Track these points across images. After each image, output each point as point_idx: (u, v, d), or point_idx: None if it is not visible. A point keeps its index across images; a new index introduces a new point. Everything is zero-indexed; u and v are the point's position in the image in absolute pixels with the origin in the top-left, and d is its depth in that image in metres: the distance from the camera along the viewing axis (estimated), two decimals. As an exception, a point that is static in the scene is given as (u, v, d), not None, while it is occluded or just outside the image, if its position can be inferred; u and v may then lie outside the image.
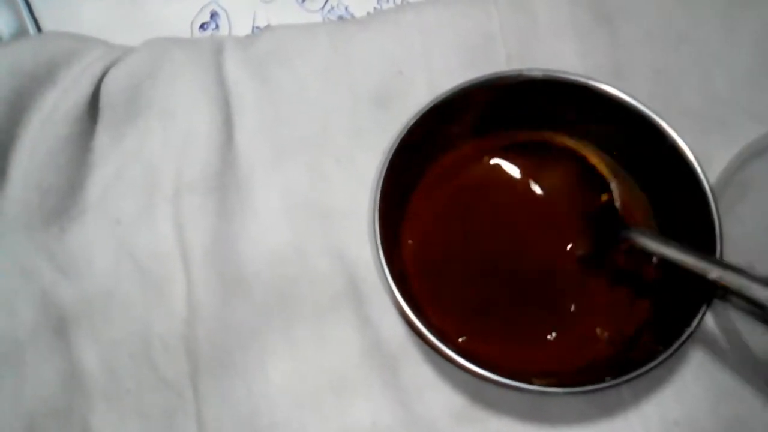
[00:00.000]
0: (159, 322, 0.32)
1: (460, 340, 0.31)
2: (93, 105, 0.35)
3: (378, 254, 0.30)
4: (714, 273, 0.27)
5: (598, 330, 0.32)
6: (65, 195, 0.34)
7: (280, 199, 0.35)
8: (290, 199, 0.35)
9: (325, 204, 0.35)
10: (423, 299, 0.32)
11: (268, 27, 0.39)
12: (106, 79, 0.35)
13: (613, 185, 0.33)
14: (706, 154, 0.35)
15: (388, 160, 0.31)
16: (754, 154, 0.35)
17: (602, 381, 0.27)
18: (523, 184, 0.34)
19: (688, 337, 0.28)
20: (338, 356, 0.32)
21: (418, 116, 0.32)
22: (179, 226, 0.33)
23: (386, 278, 0.29)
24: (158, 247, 0.33)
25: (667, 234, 0.32)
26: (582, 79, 0.32)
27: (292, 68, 0.37)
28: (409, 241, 0.33)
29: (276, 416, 0.31)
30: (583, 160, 0.34)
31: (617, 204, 0.32)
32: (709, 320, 0.33)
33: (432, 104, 0.32)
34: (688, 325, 0.28)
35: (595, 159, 0.34)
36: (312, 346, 0.32)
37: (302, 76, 0.37)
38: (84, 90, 0.34)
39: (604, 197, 0.32)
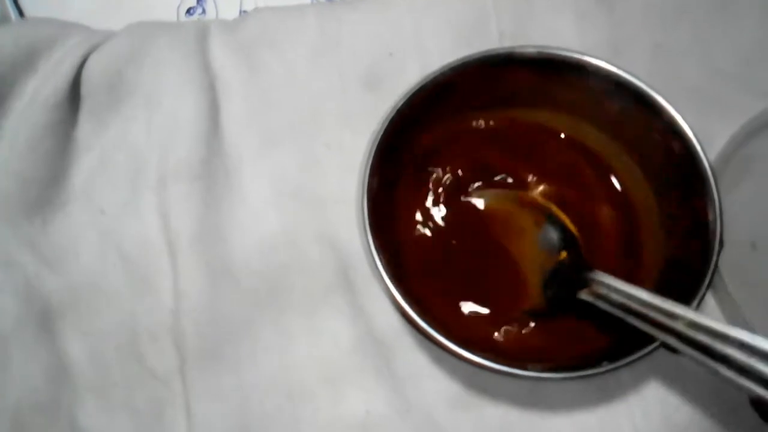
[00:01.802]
0: (146, 313, 0.32)
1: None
2: (74, 92, 0.34)
3: (367, 239, 0.29)
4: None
5: None
6: (47, 185, 0.33)
7: (269, 186, 0.34)
8: (279, 186, 0.34)
9: (315, 190, 0.34)
10: (416, 284, 0.31)
11: (255, 10, 0.38)
12: (86, 65, 0.34)
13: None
14: (706, 131, 0.34)
15: (377, 142, 0.30)
16: (755, 130, 0.34)
17: (599, 366, 0.26)
18: (513, 167, 0.33)
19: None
20: (330, 345, 0.31)
21: (407, 97, 0.31)
22: (165, 215, 0.33)
23: (376, 264, 0.28)
24: (144, 236, 0.33)
25: (666, 214, 0.31)
26: (576, 56, 0.31)
27: (279, 52, 0.36)
28: (401, 225, 0.32)
29: (267, 408, 0.30)
30: (579, 146, 0.33)
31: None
32: (710, 301, 0.32)
33: (421, 84, 0.31)
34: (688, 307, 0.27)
35: (592, 140, 0.33)
36: (303, 336, 0.32)
37: (290, 59, 0.36)
38: (64, 76, 0.33)
39: (563, 255, 0.31)
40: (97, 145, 0.34)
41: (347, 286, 0.32)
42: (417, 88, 0.31)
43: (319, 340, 0.31)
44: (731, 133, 0.34)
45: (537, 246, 0.32)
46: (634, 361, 0.26)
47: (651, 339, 0.26)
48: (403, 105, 0.31)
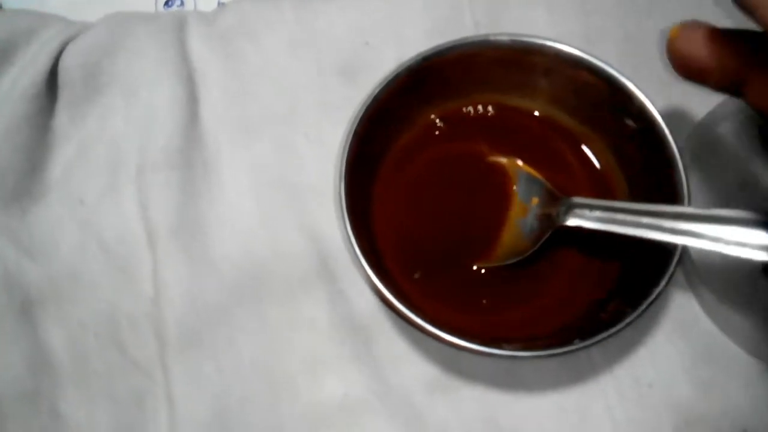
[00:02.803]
0: (126, 302, 0.32)
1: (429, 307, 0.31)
2: (52, 83, 0.34)
3: (345, 224, 0.29)
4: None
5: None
6: (25, 175, 0.33)
7: (248, 176, 0.34)
8: (258, 176, 0.34)
9: (294, 180, 0.35)
10: (396, 272, 0.31)
11: (232, 1, 0.38)
12: (63, 55, 0.34)
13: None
14: (675, 118, 0.36)
15: (352, 131, 0.31)
16: (721, 117, 0.35)
17: (571, 344, 0.27)
18: (490, 154, 0.34)
19: (656, 297, 0.27)
20: (309, 332, 0.32)
21: (383, 84, 0.31)
22: (144, 205, 0.33)
23: (353, 249, 0.29)
24: (123, 226, 0.33)
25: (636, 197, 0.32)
26: (549, 43, 0.32)
27: (256, 42, 0.36)
28: (380, 213, 0.33)
29: (247, 393, 0.31)
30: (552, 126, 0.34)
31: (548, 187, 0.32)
32: (682, 282, 0.33)
33: (397, 72, 0.31)
34: (657, 285, 0.28)
35: (568, 125, 0.34)
36: (283, 323, 0.32)
37: (267, 50, 0.36)
38: (41, 67, 0.33)
39: (535, 201, 0.32)
40: (75, 135, 0.34)
41: (326, 274, 0.33)
42: (393, 75, 0.31)
43: (299, 326, 0.32)
44: (698, 119, 0.35)
45: (511, 201, 0.33)
46: (603, 339, 0.27)
47: (621, 315, 0.27)
48: (379, 92, 0.31)
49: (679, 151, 0.30)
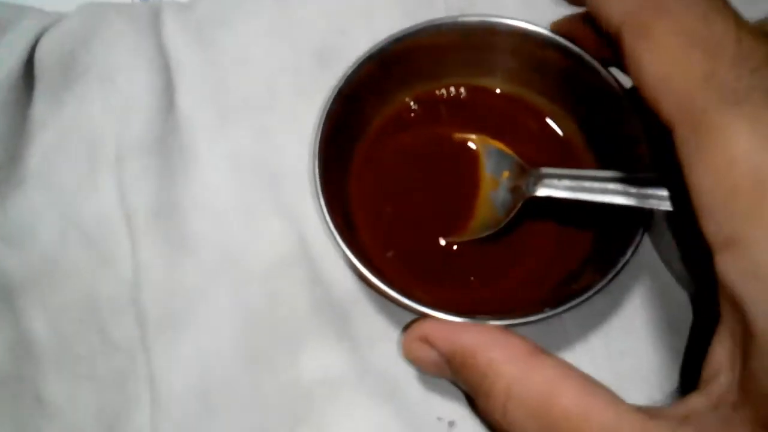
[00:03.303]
0: (106, 287, 0.32)
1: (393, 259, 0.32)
2: (28, 73, 0.34)
3: (319, 201, 0.29)
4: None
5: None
6: (3, 164, 0.34)
7: (226, 162, 0.35)
8: (236, 161, 0.35)
9: (272, 165, 0.35)
10: (372, 249, 0.32)
11: (207, -10, 0.39)
12: (39, 45, 0.34)
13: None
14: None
15: (326, 111, 0.31)
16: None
17: (541, 312, 0.27)
18: (462, 132, 0.35)
19: (623, 266, 0.28)
20: (289, 312, 0.32)
21: (354, 66, 0.32)
22: (122, 191, 0.33)
23: (328, 224, 0.29)
24: (102, 213, 0.33)
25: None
26: (516, 23, 0.33)
27: (232, 30, 0.37)
28: (356, 194, 0.33)
29: (227, 372, 0.31)
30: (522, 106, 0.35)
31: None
32: (651, 251, 0.33)
33: (369, 54, 0.32)
34: (624, 254, 0.28)
35: (534, 103, 0.35)
36: (263, 304, 0.32)
37: (243, 37, 0.37)
38: (17, 57, 0.34)
39: (505, 174, 0.33)
40: (52, 124, 0.34)
41: (305, 255, 0.33)
42: (365, 57, 0.32)
43: (278, 307, 0.32)
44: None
45: (481, 175, 0.33)
46: (571, 308, 0.27)
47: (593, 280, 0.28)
48: (351, 73, 0.32)
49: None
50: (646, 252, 0.34)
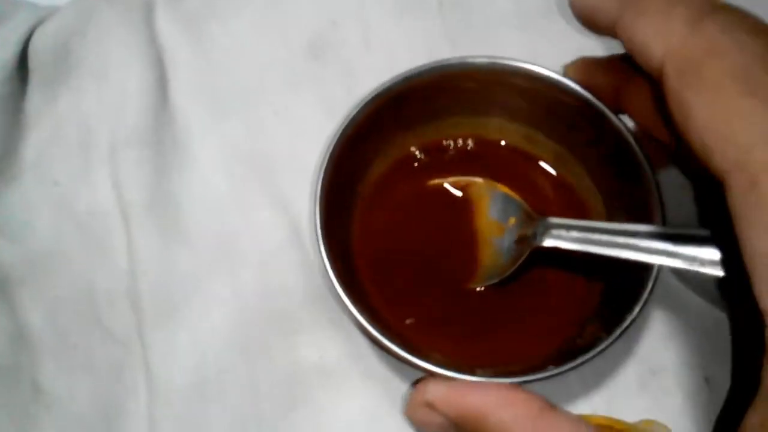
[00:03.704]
0: (102, 278, 0.33)
1: (407, 322, 0.31)
2: (22, 66, 0.35)
3: (320, 251, 0.28)
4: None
5: None
6: None
7: (220, 153, 0.35)
8: (230, 153, 0.35)
9: (266, 157, 0.35)
10: (374, 298, 0.31)
11: (199, -17, 0.39)
12: (33, 39, 0.35)
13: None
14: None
15: (329, 152, 0.30)
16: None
17: (545, 371, 0.27)
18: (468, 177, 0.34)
19: (630, 324, 0.27)
20: (283, 300, 0.32)
21: (360, 105, 0.31)
22: (116, 182, 0.34)
23: (332, 280, 0.28)
24: (97, 204, 0.34)
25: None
26: (528, 66, 0.31)
27: (224, 22, 0.37)
28: (358, 241, 0.32)
29: (223, 361, 0.31)
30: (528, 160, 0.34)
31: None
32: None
33: (376, 92, 0.31)
34: (631, 312, 0.27)
35: (542, 149, 0.34)
36: (257, 293, 0.33)
37: (235, 30, 0.37)
38: (11, 51, 0.34)
39: (512, 221, 0.32)
40: (47, 117, 0.35)
41: (298, 243, 0.34)
42: (372, 96, 0.31)
43: (272, 295, 0.33)
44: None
45: (486, 221, 0.33)
46: (574, 368, 0.27)
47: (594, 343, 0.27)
48: (357, 113, 0.30)
49: (654, 176, 0.30)
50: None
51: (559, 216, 0.31)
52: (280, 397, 0.31)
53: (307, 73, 0.37)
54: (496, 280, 0.31)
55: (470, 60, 0.32)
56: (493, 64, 0.32)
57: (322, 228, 0.29)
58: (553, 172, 0.34)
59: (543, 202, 0.33)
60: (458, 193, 0.34)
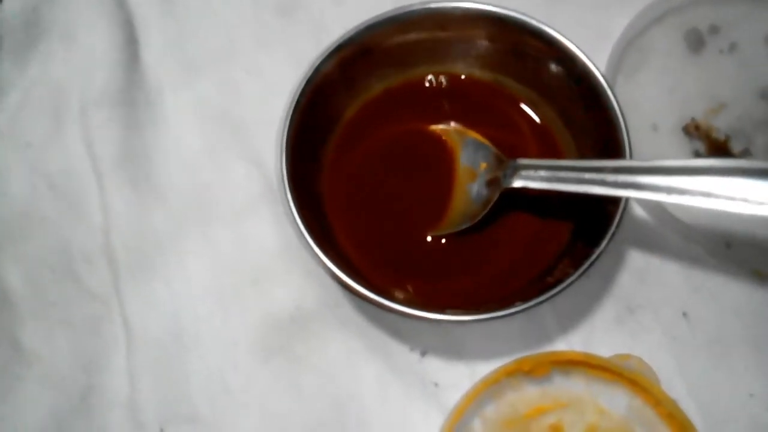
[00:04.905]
0: (78, 235, 0.33)
1: (379, 266, 0.31)
2: (-7, 33, 0.35)
3: (289, 203, 0.29)
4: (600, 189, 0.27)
5: None
6: None
7: (192, 111, 0.35)
8: (202, 111, 0.36)
9: (238, 114, 0.36)
10: (347, 247, 0.32)
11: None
12: (2, 6, 0.35)
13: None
14: (604, 25, 0.36)
15: (294, 102, 0.30)
16: (652, 20, 0.36)
17: (512, 307, 0.27)
18: (440, 123, 0.34)
19: (597, 258, 0.28)
20: (257, 251, 0.33)
21: (324, 56, 0.31)
22: (88, 141, 0.34)
23: (300, 229, 0.28)
24: (70, 164, 0.34)
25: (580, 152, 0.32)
26: (491, 8, 0.32)
27: (193, -17, 0.37)
28: (329, 190, 0.33)
29: (199, 310, 0.32)
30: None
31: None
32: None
33: (339, 42, 0.31)
34: (598, 246, 0.28)
35: (513, 91, 0.34)
36: (231, 244, 0.33)
37: (204, -10, 0.37)
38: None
39: (483, 166, 0.32)
40: (19, 82, 0.35)
41: (272, 198, 0.34)
42: (335, 46, 0.31)
43: (247, 247, 0.33)
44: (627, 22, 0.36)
45: (459, 167, 0.33)
46: (541, 303, 0.27)
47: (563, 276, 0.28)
48: (321, 63, 0.31)
49: (617, 102, 0.30)
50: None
51: (534, 157, 0.31)
52: (256, 346, 0.31)
53: (277, 30, 0.37)
54: (468, 224, 0.31)
55: (434, 5, 0.32)
56: (456, 8, 0.32)
57: (289, 177, 0.29)
58: (526, 109, 0.34)
59: (517, 142, 0.34)
60: (430, 139, 0.34)
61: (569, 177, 0.28)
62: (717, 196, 0.25)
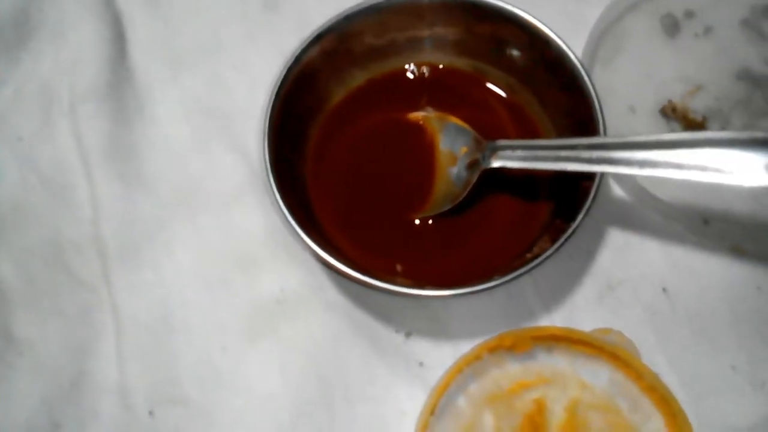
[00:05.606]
0: (68, 226, 0.34)
1: (363, 247, 0.32)
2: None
3: (271, 186, 0.30)
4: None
5: None
6: None
7: (180, 106, 0.36)
8: (190, 105, 0.36)
9: (226, 108, 0.36)
10: (329, 227, 0.32)
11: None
12: (-8, 5, 0.36)
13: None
14: (581, 14, 0.37)
15: (275, 91, 0.31)
16: (628, 6, 0.37)
17: (489, 281, 0.28)
18: (422, 110, 0.35)
19: (573, 232, 0.28)
20: (244, 238, 0.33)
21: (304, 45, 0.32)
22: (77, 135, 0.35)
23: (284, 213, 0.29)
24: (59, 157, 0.35)
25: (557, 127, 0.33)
26: None
27: (179, -21, 0.38)
28: (312, 176, 0.33)
29: (187, 297, 0.32)
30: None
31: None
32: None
33: (318, 32, 0.32)
34: (574, 220, 0.28)
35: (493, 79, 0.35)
36: (218, 232, 0.34)
37: (190, -14, 0.38)
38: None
39: (464, 150, 0.33)
40: (10, 79, 0.36)
41: (259, 188, 0.34)
42: (314, 35, 0.32)
43: (233, 234, 0.33)
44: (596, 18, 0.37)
45: (440, 151, 0.34)
46: (518, 276, 0.28)
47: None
48: (301, 53, 0.32)
49: (591, 81, 0.31)
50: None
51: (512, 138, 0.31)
52: (244, 328, 0.32)
53: (264, 25, 0.38)
54: (449, 207, 0.32)
55: None
56: None
57: (272, 163, 0.30)
58: (504, 95, 0.35)
59: (497, 126, 0.34)
60: (412, 126, 0.35)
61: (545, 155, 0.29)
62: (689, 168, 0.26)
